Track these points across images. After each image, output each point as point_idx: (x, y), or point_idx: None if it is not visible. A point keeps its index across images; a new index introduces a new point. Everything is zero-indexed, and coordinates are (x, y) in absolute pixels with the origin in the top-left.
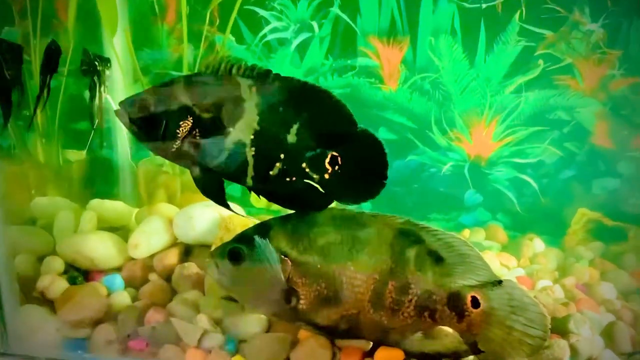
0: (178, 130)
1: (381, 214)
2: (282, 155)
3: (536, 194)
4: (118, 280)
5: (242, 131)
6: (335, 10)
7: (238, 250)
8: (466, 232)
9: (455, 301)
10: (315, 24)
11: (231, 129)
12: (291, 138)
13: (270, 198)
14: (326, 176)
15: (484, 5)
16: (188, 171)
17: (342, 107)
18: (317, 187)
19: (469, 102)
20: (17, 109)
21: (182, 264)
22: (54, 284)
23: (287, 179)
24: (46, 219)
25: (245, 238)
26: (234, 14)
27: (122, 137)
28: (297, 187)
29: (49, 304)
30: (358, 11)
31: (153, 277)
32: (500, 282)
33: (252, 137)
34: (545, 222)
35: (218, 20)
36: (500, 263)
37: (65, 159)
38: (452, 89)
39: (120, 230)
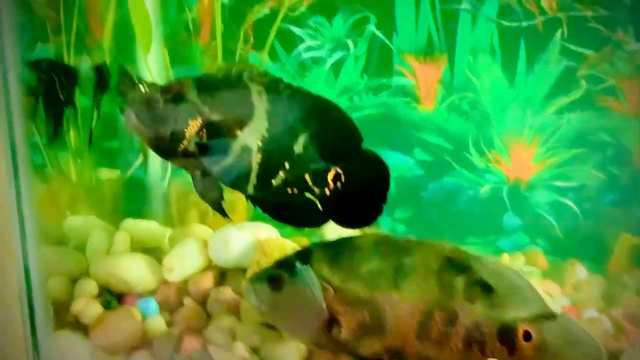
0: (186, 130)
1: (427, 240)
2: (287, 165)
3: (577, 218)
4: (153, 304)
5: (250, 136)
6: (371, 28)
7: (278, 276)
8: (505, 257)
9: (506, 334)
10: (350, 43)
11: (239, 133)
12: (297, 148)
13: (267, 209)
14: (327, 192)
15: (524, 24)
16: None
17: (350, 123)
18: (315, 203)
19: (508, 122)
20: (69, 129)
21: (217, 288)
22: (88, 307)
23: (289, 190)
24: (79, 239)
25: (285, 263)
26: (272, 35)
27: (154, 155)
28: (296, 199)
29: (82, 328)
30: (394, 29)
31: (187, 301)
32: (554, 315)
33: (259, 143)
34: (587, 248)
35: (252, 39)
36: (543, 291)
37: (98, 177)
38: (491, 109)
39: (154, 252)
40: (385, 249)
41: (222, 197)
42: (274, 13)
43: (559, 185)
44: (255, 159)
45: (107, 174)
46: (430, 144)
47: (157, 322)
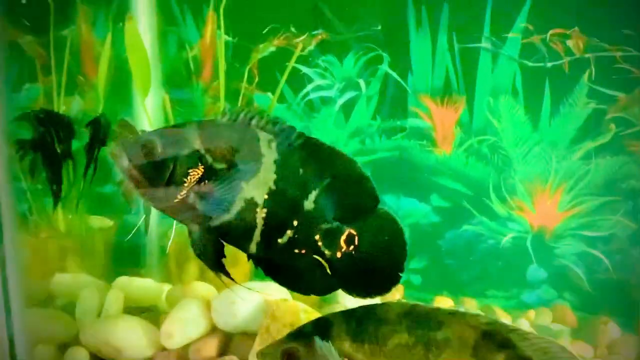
0: (186, 179)
1: (461, 311)
2: (295, 223)
3: (607, 270)
4: None
5: (256, 189)
6: (384, 67)
7: (293, 350)
8: (531, 314)
9: None
10: (362, 82)
11: (244, 185)
12: (308, 205)
13: (270, 270)
14: (338, 254)
15: (549, 64)
16: None
17: (367, 181)
18: (324, 267)
19: (531, 168)
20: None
21: (222, 357)
22: None
23: (296, 251)
24: (68, 298)
25: (301, 336)
26: (284, 77)
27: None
28: (303, 262)
29: None
30: (409, 68)
31: None
32: None
33: (265, 196)
34: (619, 303)
35: (257, 78)
36: (576, 354)
37: (89, 226)
38: (513, 153)
39: (149, 312)
40: (414, 321)
41: (222, 256)
42: (281, 51)
43: (587, 235)
44: (261, 214)
45: (99, 223)
46: (448, 189)
47: None
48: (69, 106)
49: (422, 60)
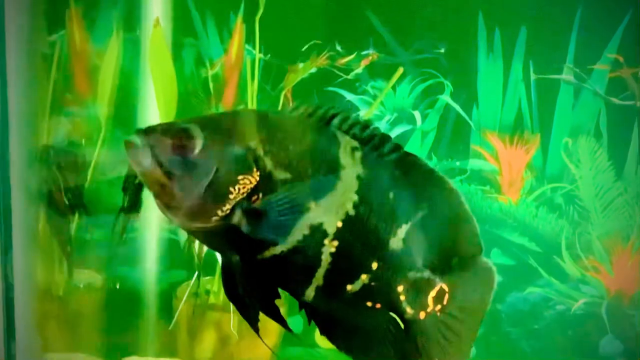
0: (233, 189)
1: None
2: (374, 265)
3: None
4: None
5: (328, 212)
6: (445, 98)
7: None
8: None
9: None
10: (417, 114)
11: (313, 205)
12: (395, 243)
13: (327, 327)
14: (422, 315)
15: (639, 104)
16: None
17: (470, 222)
18: (400, 329)
19: (612, 222)
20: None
21: None
22: None
23: (368, 304)
24: None
25: None
26: None
27: (151, 249)
28: (375, 319)
29: None
30: (475, 100)
31: None
32: None
33: (339, 224)
34: None
35: (292, 104)
36: None
37: (74, 284)
38: (592, 205)
39: None
40: None
41: (277, 296)
42: (322, 73)
43: None
44: (330, 247)
45: (85, 278)
46: (512, 244)
47: None
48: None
49: (490, 91)
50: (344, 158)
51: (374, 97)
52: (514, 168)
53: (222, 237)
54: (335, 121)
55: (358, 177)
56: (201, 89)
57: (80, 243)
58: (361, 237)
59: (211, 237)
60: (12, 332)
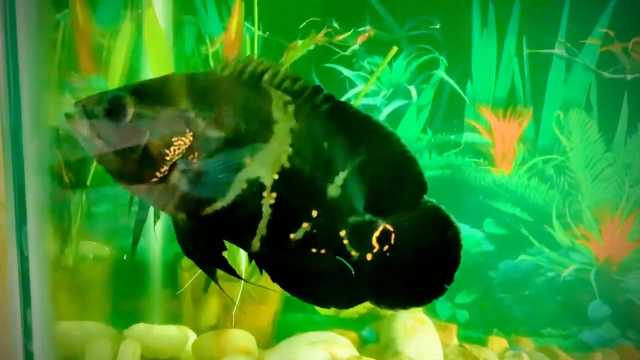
0: (168, 150)
1: None
2: (314, 213)
3: None
4: None
5: (263, 166)
6: (440, 73)
7: None
8: (597, 357)
9: None
10: (413, 89)
11: (248, 160)
12: (333, 191)
13: (278, 274)
14: (368, 257)
15: (629, 77)
16: (253, 274)
17: (413, 164)
18: (349, 272)
19: (601, 192)
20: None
21: None
22: None
23: (313, 250)
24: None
25: None
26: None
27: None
28: (322, 265)
29: None
30: (469, 75)
31: None
32: None
33: (276, 177)
34: None
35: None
36: None
37: (81, 254)
38: (582, 175)
39: None
40: None
41: (223, 248)
42: (320, 50)
43: None
44: (269, 200)
45: (93, 250)
46: (505, 214)
47: None
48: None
49: (484, 66)
50: (277, 113)
51: (371, 73)
52: (507, 141)
53: (164, 196)
54: (266, 77)
55: (291, 130)
56: (202, 67)
57: (87, 216)
58: (299, 187)
59: (156, 198)
60: (27, 301)
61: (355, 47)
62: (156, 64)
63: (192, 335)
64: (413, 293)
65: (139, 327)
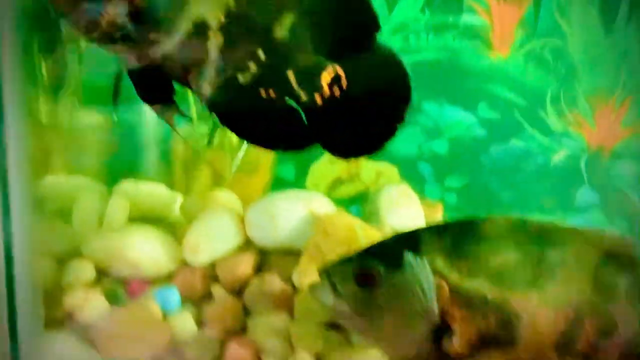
0: None
1: (582, 227)
2: (261, 55)
3: None
4: (174, 296)
5: (207, 5)
6: None
7: (372, 271)
8: None
9: None
10: None
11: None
12: (281, 31)
13: (227, 117)
14: (318, 100)
15: None
16: (244, 146)
17: (364, 2)
18: (300, 115)
19: (598, 78)
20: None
21: (260, 276)
22: (87, 303)
23: (262, 92)
24: (61, 203)
25: (382, 252)
26: None
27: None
28: (272, 107)
29: (81, 330)
30: None
31: (218, 291)
32: None
33: (221, 17)
34: None
35: None
36: None
37: (76, 121)
38: (579, 60)
39: (159, 223)
40: (523, 237)
41: (172, 90)
42: None
43: None
44: (215, 41)
45: (88, 118)
46: (499, 98)
47: (184, 321)
48: None
49: None
50: None
51: None
52: (506, 24)
53: (115, 39)
54: None
55: None
56: None
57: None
58: (245, 28)
59: (103, 40)
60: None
61: None
62: None
63: (179, 196)
64: (366, 138)
65: (126, 185)
